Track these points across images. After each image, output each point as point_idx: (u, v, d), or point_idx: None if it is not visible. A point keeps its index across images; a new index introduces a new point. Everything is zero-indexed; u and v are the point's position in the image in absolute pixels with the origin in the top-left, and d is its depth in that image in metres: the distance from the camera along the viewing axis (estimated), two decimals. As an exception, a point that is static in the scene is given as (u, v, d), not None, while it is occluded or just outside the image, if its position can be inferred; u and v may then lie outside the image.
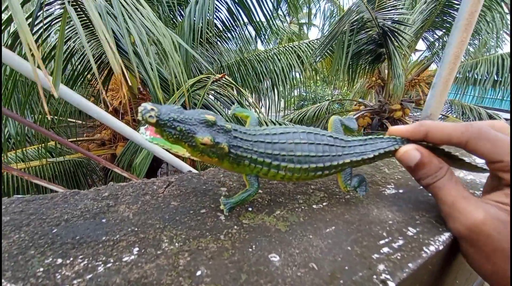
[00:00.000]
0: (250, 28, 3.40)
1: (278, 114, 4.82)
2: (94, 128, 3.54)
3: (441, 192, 0.35)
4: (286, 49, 4.39)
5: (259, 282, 0.25)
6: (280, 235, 0.32)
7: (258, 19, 2.97)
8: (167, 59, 1.38)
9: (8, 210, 0.31)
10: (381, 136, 0.41)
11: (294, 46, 4.43)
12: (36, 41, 1.95)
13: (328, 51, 4.23)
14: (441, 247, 0.33)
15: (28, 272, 0.23)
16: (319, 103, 6.49)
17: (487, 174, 0.39)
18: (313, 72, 5.12)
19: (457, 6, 3.89)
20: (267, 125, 2.25)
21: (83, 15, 2.00)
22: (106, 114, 1.42)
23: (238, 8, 3.00)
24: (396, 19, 3.85)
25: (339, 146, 0.38)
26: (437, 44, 4.89)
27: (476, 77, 4.59)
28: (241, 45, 3.74)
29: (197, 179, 0.44)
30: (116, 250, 0.27)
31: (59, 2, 1.95)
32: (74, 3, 1.77)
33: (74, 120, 3.33)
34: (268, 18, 2.90)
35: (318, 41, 4.55)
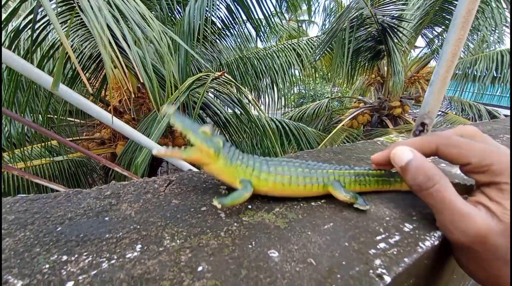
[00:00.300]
0: (249, 25, 3.40)
1: (277, 111, 4.82)
2: (94, 127, 3.54)
3: (437, 198, 0.32)
4: (285, 46, 4.39)
5: (258, 277, 0.26)
6: (279, 232, 0.33)
7: (257, 17, 2.96)
8: (163, 59, 1.39)
9: (12, 209, 0.32)
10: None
11: (293, 43, 4.42)
12: (36, 39, 1.95)
13: (327, 48, 4.23)
14: (436, 242, 0.34)
15: (34, 269, 0.24)
16: (319, 100, 6.49)
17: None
18: (313, 69, 5.11)
19: (456, 3, 3.88)
20: (267, 123, 2.24)
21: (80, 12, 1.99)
22: (106, 113, 1.42)
23: (237, 6, 2.99)
24: (396, 15, 3.84)
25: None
26: (436, 41, 4.88)
27: (475, 73, 4.59)
28: (240, 43, 3.73)
29: (197, 177, 0.45)
30: (119, 247, 0.28)
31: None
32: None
33: (73, 119, 3.33)
34: (267, 16, 2.89)
35: (318, 39, 4.55)
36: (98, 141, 3.31)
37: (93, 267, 0.25)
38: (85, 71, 2.70)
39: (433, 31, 4.89)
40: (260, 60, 4.14)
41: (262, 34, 3.43)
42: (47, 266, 0.25)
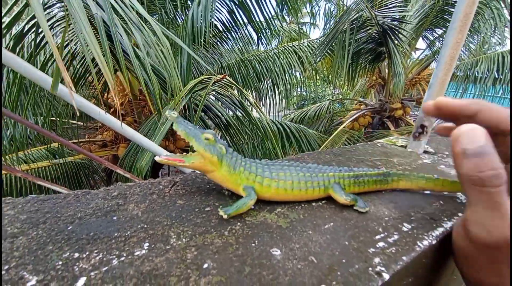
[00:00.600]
0: (250, 28, 3.42)
1: (278, 114, 4.84)
2: (96, 130, 3.56)
3: (494, 199, 0.28)
4: (286, 49, 4.41)
5: (261, 274, 0.27)
6: (281, 231, 0.34)
7: (258, 19, 2.99)
8: (165, 62, 1.40)
9: (24, 209, 0.33)
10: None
11: (294, 46, 4.45)
12: (39, 43, 1.98)
13: (328, 50, 4.24)
14: (434, 242, 0.35)
15: (48, 266, 0.25)
16: (320, 102, 6.50)
17: None
18: (313, 71, 5.13)
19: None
20: (269, 125, 2.25)
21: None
22: (108, 115, 1.44)
23: (238, 10, 3.01)
24: (397, 16, 3.86)
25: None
26: (437, 43, 4.90)
27: (476, 75, 4.59)
28: (242, 45, 3.75)
29: (201, 179, 0.46)
30: (128, 245, 0.29)
31: (58, 5, 1.97)
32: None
33: (75, 122, 3.36)
34: (268, 19, 2.92)
35: (318, 41, 4.57)
36: (100, 143, 3.33)
37: (104, 263, 0.26)
38: (87, 75, 2.72)
39: (434, 33, 4.90)
40: (261, 62, 4.16)
41: (263, 37, 3.46)
42: (60, 262, 0.26)
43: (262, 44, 3.61)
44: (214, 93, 2.67)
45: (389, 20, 3.72)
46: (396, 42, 3.88)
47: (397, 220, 0.39)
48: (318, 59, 4.52)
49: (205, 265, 0.27)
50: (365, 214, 0.40)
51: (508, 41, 4.33)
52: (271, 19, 3.00)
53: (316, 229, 0.35)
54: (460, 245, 0.34)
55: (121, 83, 2.86)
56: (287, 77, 4.33)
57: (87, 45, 1.02)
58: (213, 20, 2.80)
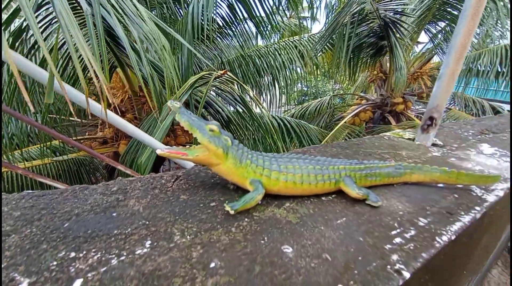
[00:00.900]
0: (250, 23, 3.38)
1: (279, 109, 4.81)
2: (96, 127, 3.54)
3: None
4: (286, 43, 4.37)
5: (273, 273, 0.25)
6: (292, 227, 0.32)
7: (258, 14, 2.95)
8: (164, 59, 1.37)
9: (18, 205, 0.31)
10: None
11: (295, 41, 4.40)
12: (36, 40, 1.95)
13: (328, 44, 4.20)
14: (453, 237, 0.33)
15: (41, 266, 0.23)
16: (320, 97, 6.47)
17: (495, 164, 0.38)
18: (314, 66, 5.09)
19: (460, -3, 3.84)
20: (269, 120, 2.24)
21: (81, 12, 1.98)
22: (109, 112, 1.42)
23: (238, 4, 2.97)
24: (400, 10, 3.80)
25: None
26: (439, 36, 4.84)
27: (479, 68, 4.55)
28: (242, 41, 3.71)
29: (205, 173, 0.44)
30: (129, 244, 0.27)
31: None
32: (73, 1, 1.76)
33: (76, 119, 3.34)
34: (268, 13, 2.88)
35: (319, 35, 4.52)
36: (100, 140, 3.32)
37: (102, 263, 0.24)
38: (87, 71, 2.69)
39: (437, 26, 4.84)
40: (261, 57, 4.13)
41: (263, 32, 3.42)
42: (55, 263, 0.24)
43: (262, 38, 3.57)
44: (214, 88, 2.64)
45: (391, 13, 3.67)
46: (398, 35, 3.83)
47: (412, 214, 0.37)
48: (318, 52, 4.47)
49: (212, 264, 0.25)
50: (377, 208, 0.38)
51: (508, 34, 4.28)
52: (272, 14, 2.96)
53: (328, 224, 0.33)
54: None
55: (120, 80, 2.83)
56: (287, 72, 4.29)
57: (75, 45, 1.00)
58: (212, 14, 2.76)
